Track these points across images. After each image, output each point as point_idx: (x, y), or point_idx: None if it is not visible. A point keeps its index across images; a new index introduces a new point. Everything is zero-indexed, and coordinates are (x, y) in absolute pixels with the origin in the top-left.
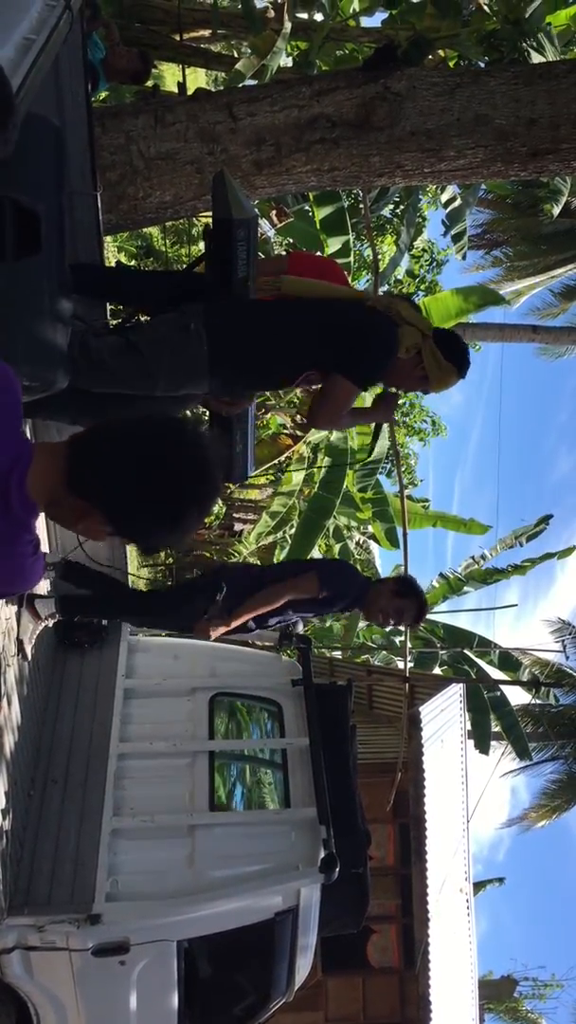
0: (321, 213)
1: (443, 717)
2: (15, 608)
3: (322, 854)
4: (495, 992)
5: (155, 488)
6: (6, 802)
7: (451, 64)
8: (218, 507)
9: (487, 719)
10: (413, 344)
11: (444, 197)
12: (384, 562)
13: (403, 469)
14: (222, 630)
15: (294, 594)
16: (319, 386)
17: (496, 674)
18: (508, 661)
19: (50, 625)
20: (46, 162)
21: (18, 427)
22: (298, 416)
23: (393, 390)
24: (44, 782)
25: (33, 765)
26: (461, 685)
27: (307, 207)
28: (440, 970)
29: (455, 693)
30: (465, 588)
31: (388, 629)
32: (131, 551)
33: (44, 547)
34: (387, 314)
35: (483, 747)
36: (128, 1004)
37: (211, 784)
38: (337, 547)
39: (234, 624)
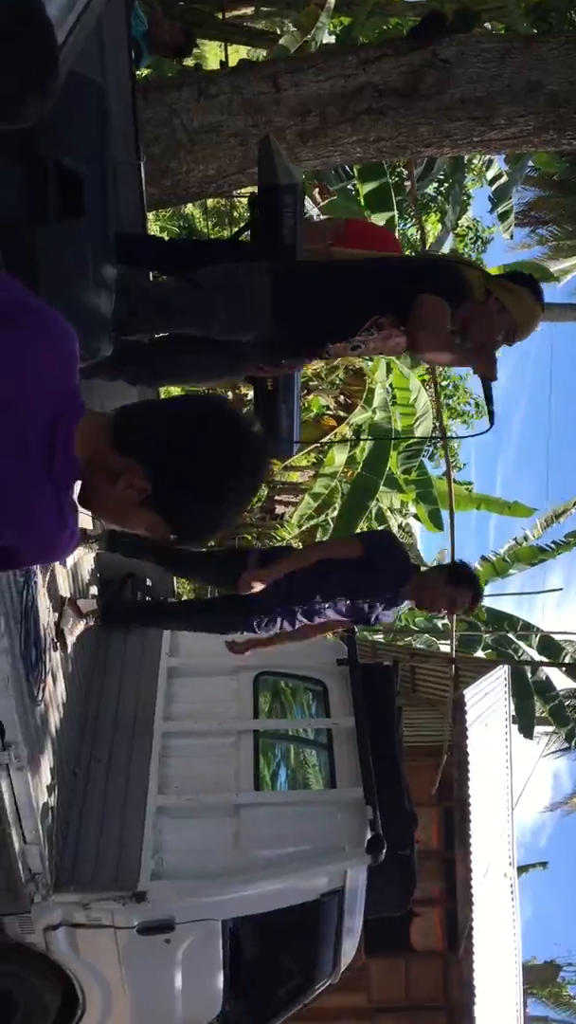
0: (365, 189)
1: (488, 700)
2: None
3: (368, 835)
4: (538, 977)
5: (202, 455)
6: (51, 779)
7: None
8: (261, 490)
9: (531, 703)
10: (481, 286)
11: (490, 174)
12: (427, 546)
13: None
14: (260, 582)
15: (332, 552)
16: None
17: (538, 659)
18: (550, 646)
19: (91, 623)
20: (90, 123)
21: (74, 379)
22: (341, 396)
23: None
24: (88, 761)
25: (78, 744)
26: (506, 668)
27: (351, 185)
28: (484, 954)
29: (500, 676)
30: (510, 571)
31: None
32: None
33: (87, 523)
34: None
35: (527, 732)
36: (173, 983)
37: (256, 764)
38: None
39: (273, 576)
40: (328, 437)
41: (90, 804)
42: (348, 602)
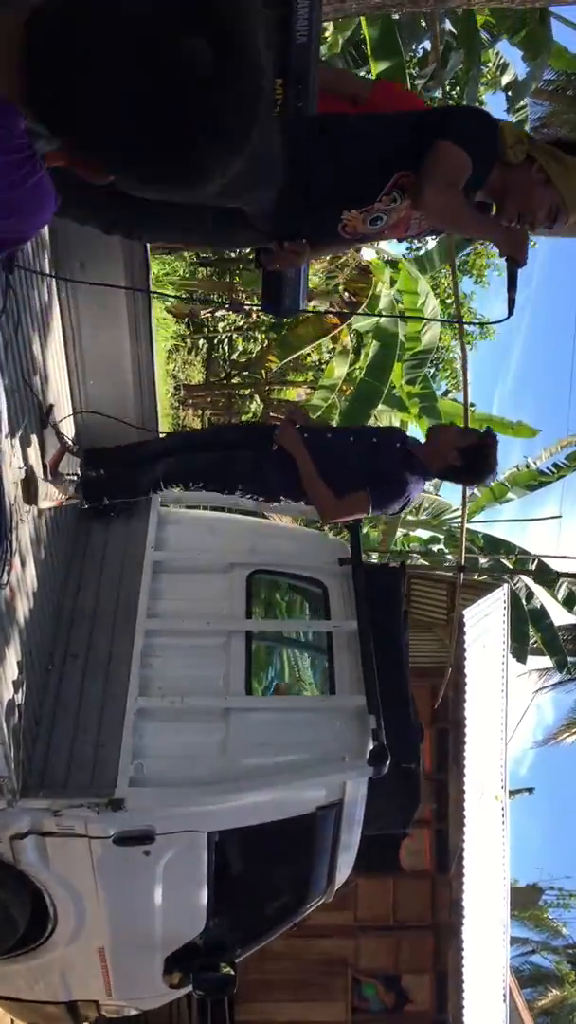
0: (378, 68)
1: (487, 622)
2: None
3: (371, 746)
4: (520, 900)
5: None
6: (19, 673)
7: None
8: (255, 404)
9: (526, 628)
10: (517, 142)
11: (505, 79)
12: None
13: (447, 373)
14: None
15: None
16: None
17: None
18: (545, 574)
19: (73, 503)
20: None
21: None
22: (346, 292)
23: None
24: (63, 657)
25: (51, 639)
26: (505, 589)
27: (363, 73)
28: (474, 876)
29: (499, 598)
30: (508, 495)
31: (427, 536)
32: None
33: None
34: None
35: (521, 656)
36: (152, 898)
37: (248, 666)
38: None
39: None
40: (330, 336)
41: (63, 704)
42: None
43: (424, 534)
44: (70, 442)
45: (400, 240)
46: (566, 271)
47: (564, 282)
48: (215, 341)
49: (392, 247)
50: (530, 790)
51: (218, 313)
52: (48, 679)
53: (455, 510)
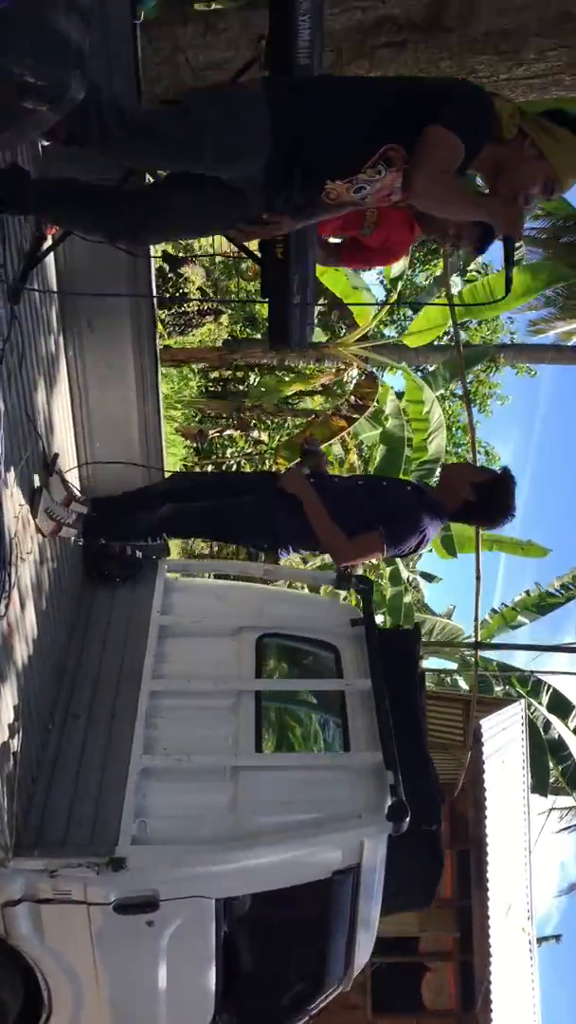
0: None
1: (505, 736)
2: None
3: (389, 801)
4: None
5: None
6: (15, 719)
7: None
8: None
9: (545, 760)
10: (511, 116)
11: None
12: (433, 598)
13: None
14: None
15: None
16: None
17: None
18: (560, 704)
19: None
20: None
21: None
22: (352, 397)
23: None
24: (64, 716)
25: (52, 698)
26: (522, 703)
27: None
28: (502, 1013)
29: (516, 712)
30: (519, 618)
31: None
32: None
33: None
34: None
35: (542, 789)
36: (156, 979)
37: (258, 726)
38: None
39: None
40: (337, 437)
41: (63, 762)
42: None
43: (436, 664)
44: (76, 491)
45: (385, 203)
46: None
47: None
48: (223, 468)
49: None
50: (557, 937)
51: (226, 433)
52: (48, 737)
53: (468, 637)
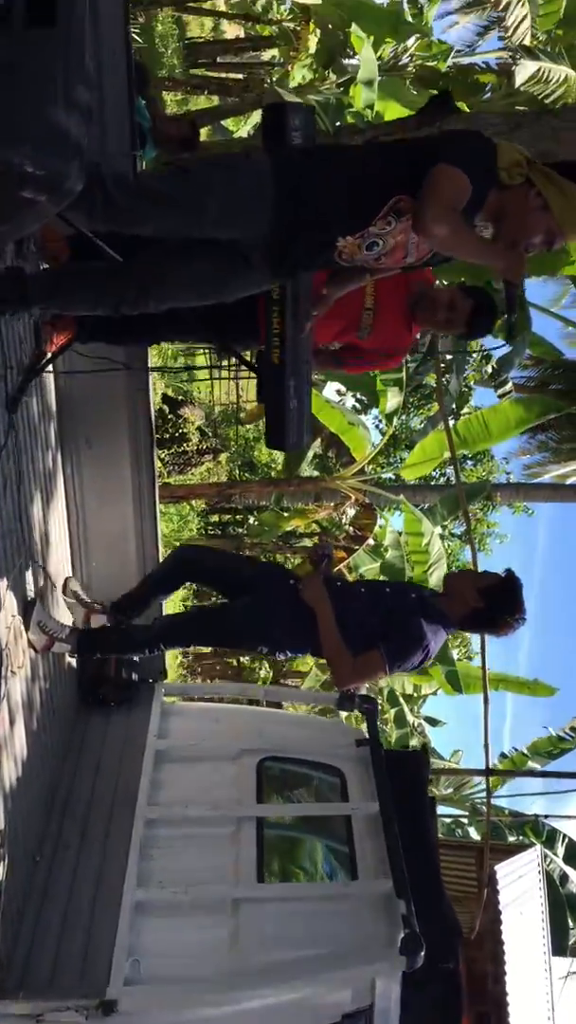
0: None
1: (522, 884)
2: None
3: (402, 933)
4: None
5: None
6: (1, 843)
7: None
8: (263, 672)
9: (564, 916)
10: (515, 163)
11: (490, 368)
12: (440, 742)
13: (459, 641)
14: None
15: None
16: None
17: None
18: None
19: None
20: None
21: None
22: (351, 528)
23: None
24: (55, 847)
25: (42, 827)
26: (538, 849)
27: None
28: None
29: (532, 859)
30: (530, 764)
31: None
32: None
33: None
34: None
35: (560, 949)
36: None
37: (259, 854)
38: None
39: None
40: (337, 568)
41: (51, 897)
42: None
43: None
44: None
45: (399, 266)
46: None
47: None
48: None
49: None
50: None
51: None
52: (35, 869)
53: (477, 784)
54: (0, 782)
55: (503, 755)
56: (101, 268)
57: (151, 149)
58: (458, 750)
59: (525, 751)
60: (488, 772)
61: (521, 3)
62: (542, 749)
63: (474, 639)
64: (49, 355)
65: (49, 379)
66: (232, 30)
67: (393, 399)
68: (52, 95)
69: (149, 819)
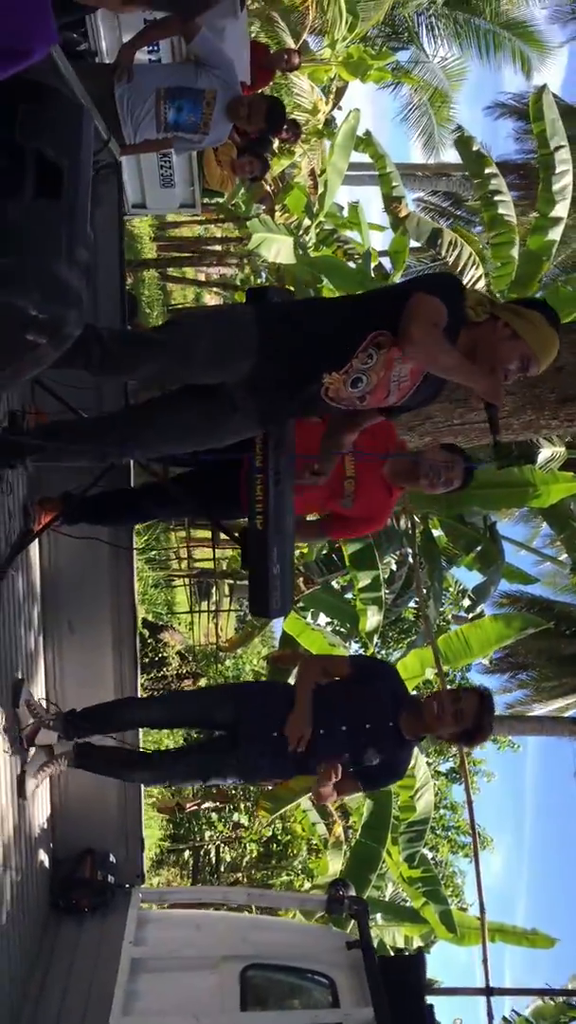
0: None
1: None
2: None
3: None
4: None
5: None
6: None
7: None
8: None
9: None
10: (479, 302)
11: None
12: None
13: (451, 888)
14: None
15: (324, 664)
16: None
17: None
18: None
19: (63, 768)
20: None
21: None
22: None
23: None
24: None
25: None
26: None
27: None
28: None
29: None
30: None
31: None
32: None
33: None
34: None
35: None
36: None
37: None
38: None
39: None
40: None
41: None
42: (345, 728)
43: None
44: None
45: (383, 406)
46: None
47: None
48: (201, 851)
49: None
50: None
51: (204, 806)
52: None
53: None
54: None
55: (505, 1020)
56: (91, 418)
57: None
58: (458, 1017)
59: (530, 1017)
60: (488, 991)
61: (476, 265)
62: (548, 1016)
63: (468, 888)
64: (35, 532)
65: (35, 560)
66: (212, 299)
67: (373, 618)
68: (57, 252)
69: None
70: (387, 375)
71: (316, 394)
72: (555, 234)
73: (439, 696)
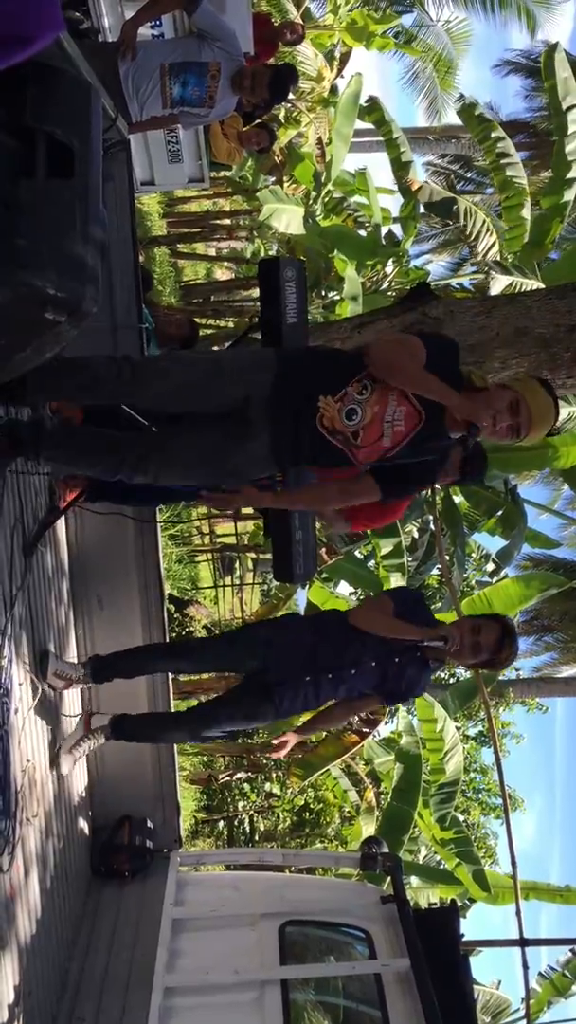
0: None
1: None
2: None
3: None
4: None
5: None
6: (15, 1001)
7: None
8: None
9: None
10: (480, 376)
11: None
12: (478, 970)
13: (484, 850)
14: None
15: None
16: None
17: None
18: None
19: (101, 742)
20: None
21: None
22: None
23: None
24: (68, 1021)
25: (55, 1002)
26: None
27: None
28: None
29: None
30: (573, 987)
31: None
32: None
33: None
34: None
35: None
36: None
37: (286, 1019)
38: None
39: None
40: (350, 754)
41: None
42: (374, 663)
43: None
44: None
45: (374, 456)
46: None
47: None
48: (235, 821)
49: None
50: None
51: (236, 776)
52: None
53: (516, 1012)
54: (16, 935)
55: (542, 975)
56: (111, 431)
57: (154, 348)
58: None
59: (567, 973)
60: (523, 942)
61: (489, 232)
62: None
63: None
64: (61, 509)
65: (62, 537)
66: (223, 274)
67: (397, 584)
68: (72, 231)
69: (168, 987)
70: (381, 411)
71: (313, 416)
72: (569, 195)
73: (460, 626)
